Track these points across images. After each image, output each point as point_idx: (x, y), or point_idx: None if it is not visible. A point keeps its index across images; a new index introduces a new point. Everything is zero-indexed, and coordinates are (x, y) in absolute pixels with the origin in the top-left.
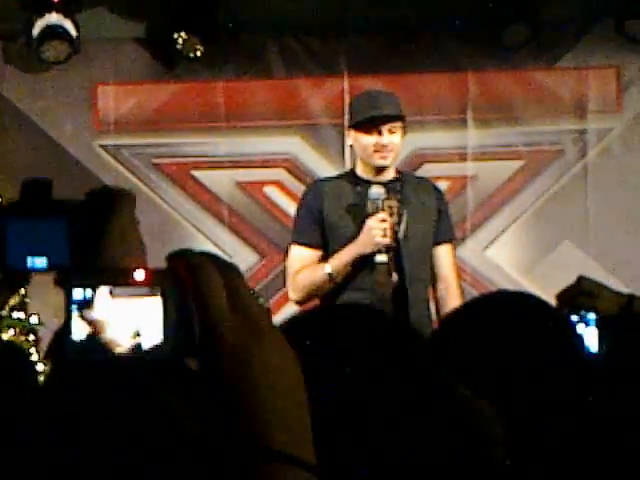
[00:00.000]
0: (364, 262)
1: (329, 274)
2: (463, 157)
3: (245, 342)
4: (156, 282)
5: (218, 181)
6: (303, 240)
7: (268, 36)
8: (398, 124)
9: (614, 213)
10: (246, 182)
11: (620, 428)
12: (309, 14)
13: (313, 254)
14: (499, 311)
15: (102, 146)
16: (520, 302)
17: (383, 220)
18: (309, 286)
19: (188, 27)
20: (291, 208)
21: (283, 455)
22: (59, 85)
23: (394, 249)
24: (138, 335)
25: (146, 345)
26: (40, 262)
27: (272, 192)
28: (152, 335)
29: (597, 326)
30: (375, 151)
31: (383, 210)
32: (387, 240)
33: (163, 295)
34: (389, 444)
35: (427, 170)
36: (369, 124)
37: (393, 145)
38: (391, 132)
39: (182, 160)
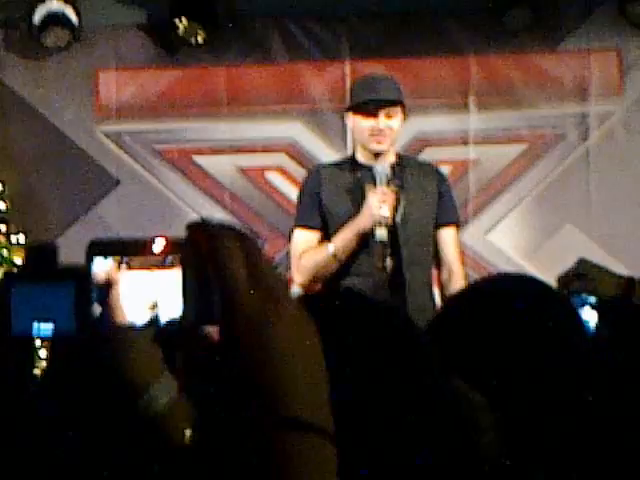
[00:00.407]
0: (362, 246)
1: (332, 253)
2: (465, 141)
3: (263, 311)
4: (175, 252)
5: (220, 167)
6: (305, 223)
7: (269, 21)
8: (396, 108)
9: (616, 196)
10: (248, 167)
11: (621, 416)
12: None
13: (315, 236)
14: (500, 294)
15: (104, 132)
16: (521, 284)
17: (384, 194)
18: (314, 267)
19: (189, 13)
20: (293, 193)
21: (301, 423)
22: (60, 72)
23: (391, 233)
24: (155, 306)
25: (164, 316)
26: (45, 328)
27: (274, 177)
28: (171, 305)
29: (597, 309)
30: (371, 135)
31: (387, 185)
32: (387, 214)
33: (182, 264)
34: (376, 436)
35: (429, 154)
36: (366, 108)
37: (390, 129)
38: (389, 116)
39: (184, 146)
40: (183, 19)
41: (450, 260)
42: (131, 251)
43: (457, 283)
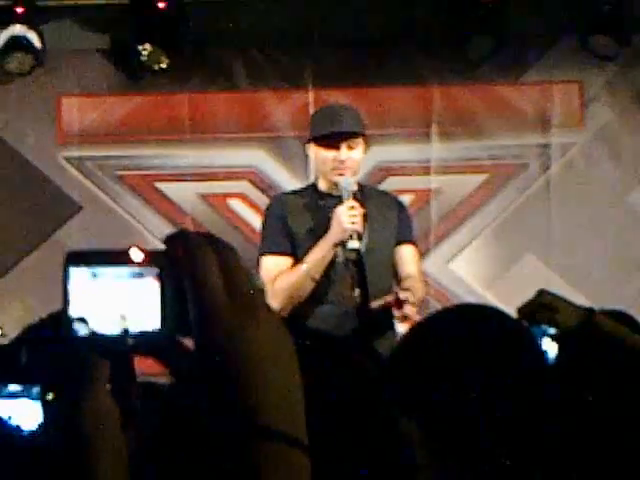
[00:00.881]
0: (331, 275)
1: (306, 271)
2: (427, 170)
3: (240, 321)
4: (153, 263)
5: (182, 193)
6: (274, 249)
7: (233, 49)
8: (358, 139)
9: (577, 227)
10: (210, 194)
11: (579, 441)
12: (274, 27)
13: (286, 260)
14: (461, 324)
15: (66, 158)
16: (481, 315)
17: (352, 207)
18: (288, 288)
19: (153, 39)
20: (255, 220)
21: (275, 433)
22: (22, 97)
23: (357, 263)
24: (125, 318)
25: (135, 327)
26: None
27: (236, 204)
28: (142, 316)
29: (556, 340)
30: (333, 167)
31: (353, 199)
32: (358, 227)
33: (160, 276)
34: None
35: (391, 183)
36: (328, 139)
37: (352, 161)
38: (350, 148)
39: (146, 172)
40: (147, 45)
41: (409, 272)
42: (108, 261)
43: (416, 282)
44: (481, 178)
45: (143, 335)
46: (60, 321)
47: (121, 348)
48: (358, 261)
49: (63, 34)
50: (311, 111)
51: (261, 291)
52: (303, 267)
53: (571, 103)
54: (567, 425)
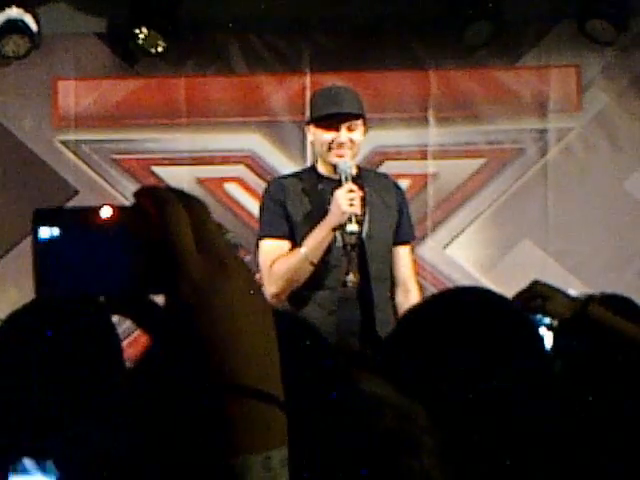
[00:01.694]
0: (329, 260)
1: (305, 255)
2: (424, 155)
3: (211, 277)
4: (123, 219)
5: (178, 177)
6: (273, 232)
7: (230, 32)
8: (358, 121)
9: (573, 212)
10: (206, 178)
11: (574, 429)
12: (271, 11)
13: (285, 244)
14: (457, 307)
15: (62, 141)
16: (478, 297)
17: (351, 190)
18: (287, 273)
19: (149, 22)
20: (251, 205)
21: (251, 390)
22: (19, 80)
23: (357, 249)
24: (96, 276)
25: (106, 285)
26: None
27: (232, 189)
28: (113, 274)
29: (551, 329)
30: (332, 148)
31: (352, 182)
32: (356, 209)
33: (130, 232)
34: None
35: (388, 168)
36: (328, 120)
37: (352, 142)
38: (350, 129)
39: (142, 156)
40: (143, 29)
41: (405, 280)
42: (77, 219)
43: (414, 301)
44: (478, 163)
45: (113, 292)
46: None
47: (93, 306)
48: (359, 246)
49: (59, 17)
50: (308, 95)
51: (233, 246)
52: (302, 251)
53: (569, 88)
54: (564, 418)
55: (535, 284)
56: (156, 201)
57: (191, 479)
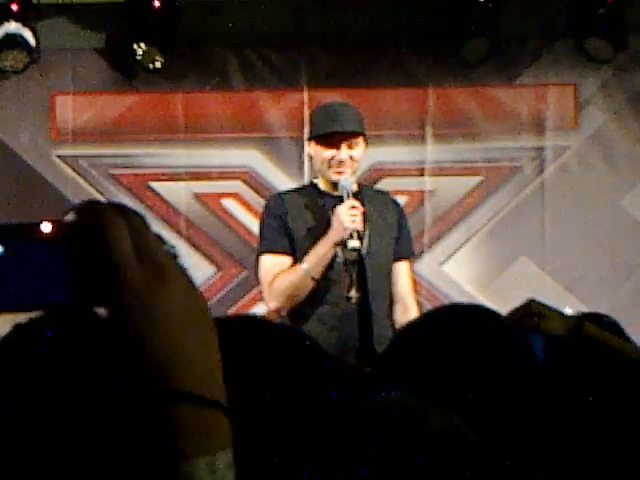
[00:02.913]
0: (330, 276)
1: (306, 271)
2: (421, 172)
3: (150, 287)
4: (63, 233)
5: (176, 193)
6: (274, 248)
7: (228, 48)
8: (358, 139)
9: (570, 230)
10: (204, 194)
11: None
12: (269, 27)
13: (286, 260)
14: (452, 324)
15: (59, 156)
16: (473, 315)
17: (353, 207)
18: (288, 288)
19: (148, 38)
20: (249, 221)
21: (192, 396)
22: (17, 94)
23: (358, 265)
24: (48, 285)
25: (47, 298)
26: None
27: (230, 204)
28: (53, 287)
29: (545, 348)
30: (332, 165)
31: (353, 198)
32: (358, 225)
33: (70, 245)
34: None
35: (385, 184)
36: (328, 138)
37: (352, 160)
38: (350, 147)
39: (140, 171)
40: (142, 44)
41: (404, 297)
42: (19, 234)
43: (412, 318)
44: (475, 180)
45: (54, 306)
46: None
47: (35, 319)
48: (359, 262)
49: (58, 32)
50: (306, 111)
51: (172, 256)
52: (303, 266)
53: (566, 106)
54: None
55: (531, 303)
56: (95, 214)
57: None
